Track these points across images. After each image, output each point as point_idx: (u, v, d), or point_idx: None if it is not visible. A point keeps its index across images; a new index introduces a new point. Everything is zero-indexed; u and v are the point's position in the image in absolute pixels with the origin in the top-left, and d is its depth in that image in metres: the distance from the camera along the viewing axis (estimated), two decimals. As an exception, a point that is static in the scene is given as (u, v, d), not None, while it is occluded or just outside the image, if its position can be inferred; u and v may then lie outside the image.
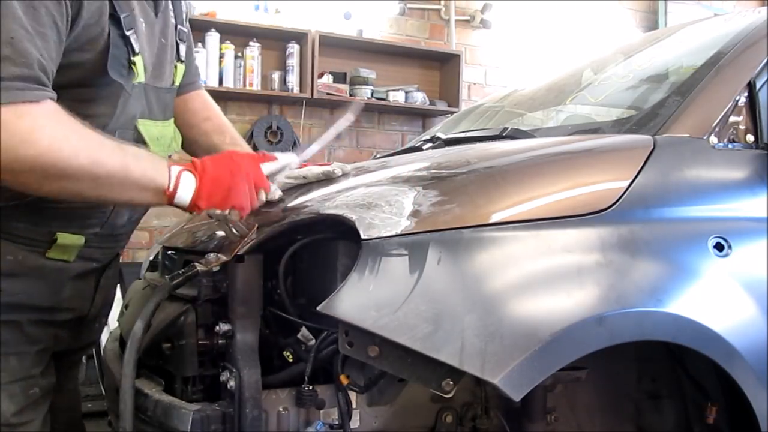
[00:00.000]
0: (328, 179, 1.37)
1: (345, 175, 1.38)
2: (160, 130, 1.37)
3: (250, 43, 4.27)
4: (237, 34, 4.23)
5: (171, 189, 1.13)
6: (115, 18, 1.19)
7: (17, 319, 1.23)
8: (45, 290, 1.27)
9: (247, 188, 1.19)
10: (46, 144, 1.01)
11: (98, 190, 1.10)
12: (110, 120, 1.22)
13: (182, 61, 1.47)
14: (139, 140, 1.29)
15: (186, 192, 1.14)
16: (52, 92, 1.07)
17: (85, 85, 1.20)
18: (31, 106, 1.01)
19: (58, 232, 1.26)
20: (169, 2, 1.42)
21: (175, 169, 1.15)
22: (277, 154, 1.29)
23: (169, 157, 1.39)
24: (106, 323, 1.55)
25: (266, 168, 1.26)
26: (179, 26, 1.45)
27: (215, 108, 1.68)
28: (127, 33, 1.21)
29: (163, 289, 1.20)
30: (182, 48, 1.46)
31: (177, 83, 1.46)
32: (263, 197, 1.25)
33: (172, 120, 1.45)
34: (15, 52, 1.00)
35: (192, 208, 1.17)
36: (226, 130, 1.64)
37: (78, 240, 1.29)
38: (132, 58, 1.23)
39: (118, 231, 1.40)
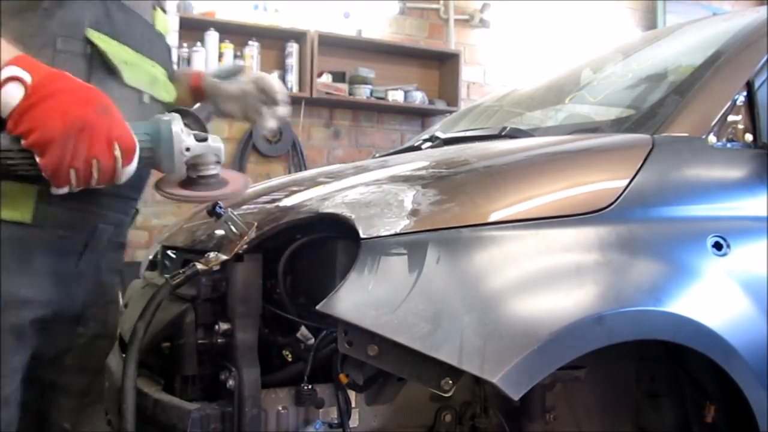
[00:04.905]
0: None
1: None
2: (133, 59, 1.11)
3: (249, 43, 4.26)
4: (236, 34, 4.23)
5: None
6: None
7: None
8: (4, 269, 0.99)
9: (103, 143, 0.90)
10: None
11: None
12: (44, 13, 0.98)
13: (165, 11, 1.25)
14: (95, 56, 1.04)
15: (4, 105, 0.88)
16: None
17: None
18: None
19: (3, 180, 0.98)
20: None
21: (7, 72, 0.87)
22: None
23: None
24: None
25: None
26: None
27: None
28: None
29: (165, 289, 1.20)
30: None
31: (159, 29, 1.22)
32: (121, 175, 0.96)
33: (164, 71, 1.22)
34: None
35: (11, 129, 0.89)
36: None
37: (30, 189, 1.00)
38: None
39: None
